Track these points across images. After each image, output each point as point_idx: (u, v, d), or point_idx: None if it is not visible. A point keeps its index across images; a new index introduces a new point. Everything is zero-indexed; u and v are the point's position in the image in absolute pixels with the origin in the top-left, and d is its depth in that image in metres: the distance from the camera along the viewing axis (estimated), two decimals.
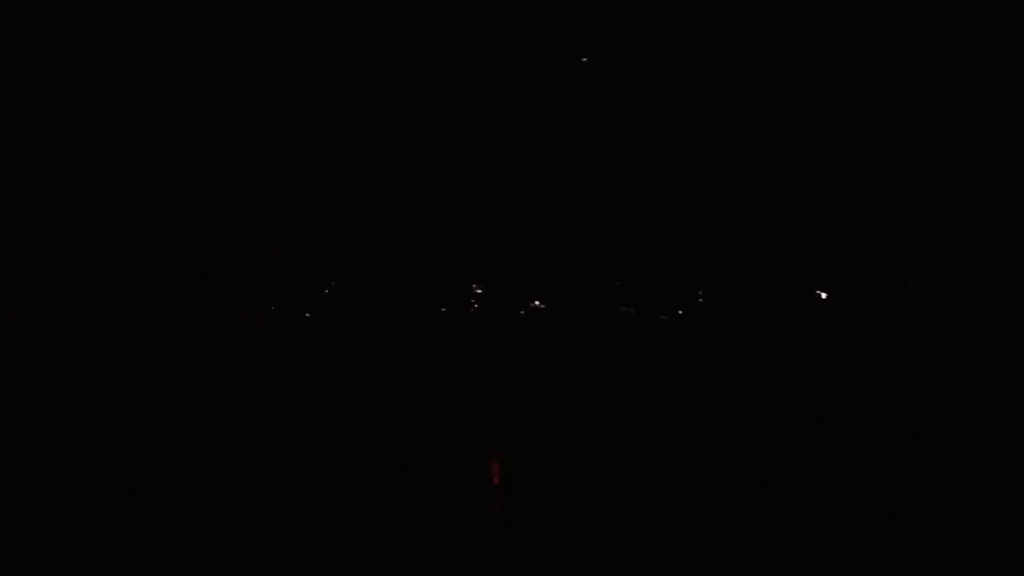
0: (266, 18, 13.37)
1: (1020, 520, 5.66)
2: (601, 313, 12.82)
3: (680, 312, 13.58)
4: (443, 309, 13.07)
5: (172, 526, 6.53)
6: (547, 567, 5.45)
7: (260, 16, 13.31)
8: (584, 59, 13.77)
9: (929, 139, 13.12)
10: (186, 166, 12.65)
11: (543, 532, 6.07)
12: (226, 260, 12.29)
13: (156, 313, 12.14)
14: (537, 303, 13.47)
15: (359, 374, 12.76)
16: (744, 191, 13.99)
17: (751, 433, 9.17)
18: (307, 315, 12.51)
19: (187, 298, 12.35)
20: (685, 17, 13.93)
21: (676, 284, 13.45)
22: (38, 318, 11.52)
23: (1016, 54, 12.85)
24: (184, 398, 10.77)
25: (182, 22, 12.61)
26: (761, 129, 14.09)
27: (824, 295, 13.80)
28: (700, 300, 13.35)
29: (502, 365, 12.66)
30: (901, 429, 8.73)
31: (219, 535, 6.23)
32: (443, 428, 10.57)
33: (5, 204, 11.72)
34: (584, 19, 14.11)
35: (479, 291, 13.16)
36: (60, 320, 11.94)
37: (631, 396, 10.68)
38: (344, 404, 12.74)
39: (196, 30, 13.11)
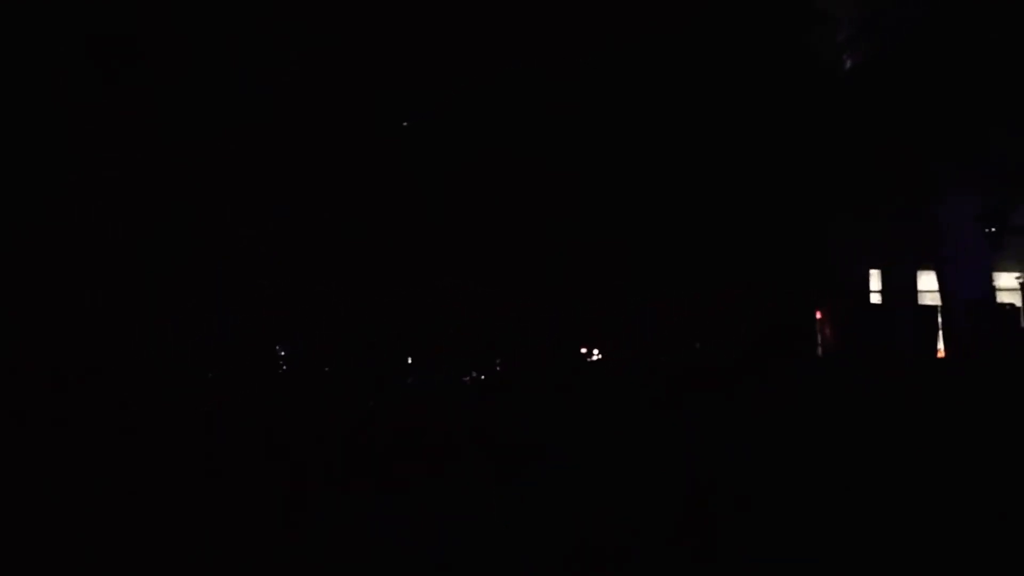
0: (266, 18, 13.34)
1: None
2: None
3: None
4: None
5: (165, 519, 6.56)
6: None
7: (260, 16, 13.26)
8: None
9: None
10: (186, 166, 12.61)
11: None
12: (226, 260, 12.26)
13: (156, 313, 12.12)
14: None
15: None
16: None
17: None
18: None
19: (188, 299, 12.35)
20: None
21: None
22: (39, 317, 11.48)
23: None
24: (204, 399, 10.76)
25: (182, 22, 12.57)
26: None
27: None
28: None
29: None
30: None
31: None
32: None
33: (5, 203, 11.66)
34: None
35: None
36: (59, 319, 11.90)
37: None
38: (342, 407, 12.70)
39: (196, 30, 13.06)
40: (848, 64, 15.59)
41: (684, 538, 5.98)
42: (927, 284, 17.45)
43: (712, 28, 13.61)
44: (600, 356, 12.80)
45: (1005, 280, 17.83)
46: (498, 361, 12.29)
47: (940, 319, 15.85)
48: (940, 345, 16.09)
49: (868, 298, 18.27)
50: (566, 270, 12.33)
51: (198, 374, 11.32)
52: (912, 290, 18.28)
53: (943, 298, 15.58)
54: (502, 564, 5.60)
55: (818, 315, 16.36)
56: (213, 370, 11.34)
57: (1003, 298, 16.78)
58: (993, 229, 15.93)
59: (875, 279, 18.47)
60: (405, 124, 13.16)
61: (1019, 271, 18.29)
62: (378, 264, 12.37)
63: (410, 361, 12.25)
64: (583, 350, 12.78)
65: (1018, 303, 17.48)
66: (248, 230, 12.35)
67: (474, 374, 12.36)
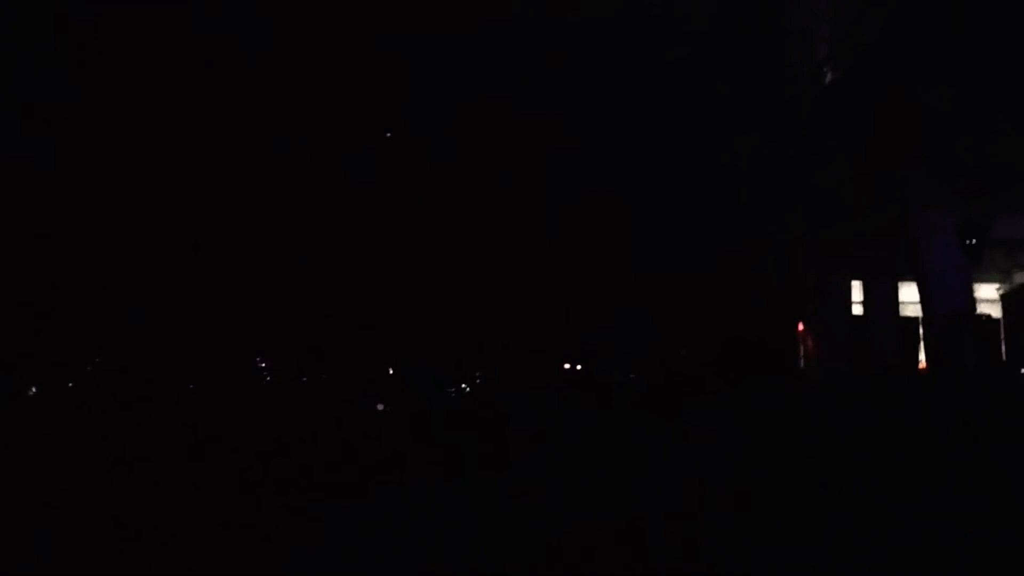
0: (266, 18, 13.32)
1: None
2: None
3: None
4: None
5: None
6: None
7: (260, 15, 13.25)
8: None
9: None
10: (186, 166, 12.57)
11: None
12: (225, 260, 12.21)
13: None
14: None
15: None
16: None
17: None
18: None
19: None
20: None
21: None
22: (39, 317, 11.40)
23: None
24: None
25: (190, 23, 12.53)
26: None
27: None
28: None
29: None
30: None
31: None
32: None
33: (6, 203, 11.57)
34: None
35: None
36: (57, 319, 11.83)
37: None
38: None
39: (196, 30, 13.03)
40: (829, 77, 15.71)
41: (680, 535, 6.03)
42: (908, 296, 17.57)
43: (703, 49, 13.83)
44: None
45: (985, 292, 18.08)
46: (493, 365, 12.36)
47: (921, 331, 15.95)
48: (921, 356, 16.19)
49: (850, 310, 18.32)
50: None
51: (194, 377, 11.31)
52: (894, 302, 18.41)
53: (924, 310, 15.68)
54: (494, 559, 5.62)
55: (800, 327, 16.44)
56: (209, 374, 11.33)
57: (983, 310, 17.00)
58: (974, 241, 16.07)
59: (857, 291, 18.56)
60: (388, 135, 13.19)
61: (999, 283, 18.57)
62: (376, 264, 12.42)
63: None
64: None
65: (997, 315, 17.80)
66: (248, 229, 12.34)
67: (466, 383, 12.40)
